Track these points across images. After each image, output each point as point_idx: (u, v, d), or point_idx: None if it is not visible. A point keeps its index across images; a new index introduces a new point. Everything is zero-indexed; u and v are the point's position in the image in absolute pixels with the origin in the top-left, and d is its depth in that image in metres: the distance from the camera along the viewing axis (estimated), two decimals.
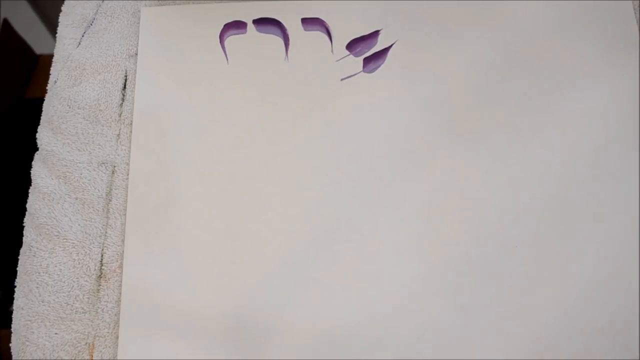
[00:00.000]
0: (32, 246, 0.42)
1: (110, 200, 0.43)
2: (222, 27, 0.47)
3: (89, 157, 0.44)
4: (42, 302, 0.41)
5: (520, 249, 0.40)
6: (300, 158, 0.43)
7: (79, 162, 0.44)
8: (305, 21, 0.47)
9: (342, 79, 0.45)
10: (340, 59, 0.46)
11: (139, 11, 0.48)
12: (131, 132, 0.45)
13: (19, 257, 0.43)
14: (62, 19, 0.49)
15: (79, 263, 0.42)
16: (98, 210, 0.43)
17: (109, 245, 0.42)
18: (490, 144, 0.43)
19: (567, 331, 0.38)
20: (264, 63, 0.46)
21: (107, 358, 0.40)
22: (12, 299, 0.42)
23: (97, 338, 0.40)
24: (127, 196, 0.43)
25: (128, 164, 0.44)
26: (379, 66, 0.45)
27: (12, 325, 0.41)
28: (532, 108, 0.43)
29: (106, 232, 0.42)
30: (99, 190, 0.43)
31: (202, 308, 0.40)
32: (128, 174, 0.43)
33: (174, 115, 0.45)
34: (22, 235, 0.43)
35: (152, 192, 0.43)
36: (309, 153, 0.43)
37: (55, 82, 0.47)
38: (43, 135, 0.45)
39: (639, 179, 0.41)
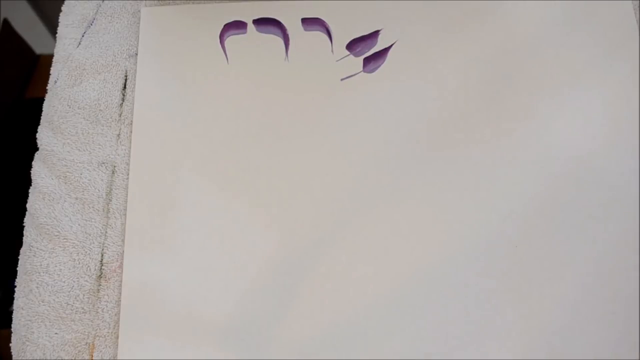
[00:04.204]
0: (32, 246, 0.42)
1: (110, 200, 0.43)
2: (222, 27, 0.47)
3: (89, 157, 0.44)
4: (42, 302, 0.41)
5: (520, 249, 0.40)
6: (300, 158, 0.43)
7: (79, 162, 0.44)
8: (305, 21, 0.47)
9: (342, 79, 0.45)
10: (340, 59, 0.46)
11: (139, 11, 0.48)
12: (131, 132, 0.45)
13: (19, 257, 0.43)
14: (62, 19, 0.49)
15: (79, 263, 0.42)
16: (98, 210, 0.43)
17: (109, 245, 0.42)
18: (491, 143, 0.43)
19: (566, 331, 0.38)
20: (264, 63, 0.46)
21: (107, 358, 0.40)
22: (12, 299, 0.42)
23: (97, 338, 0.40)
24: (127, 196, 0.43)
25: (128, 164, 0.44)
26: (379, 66, 0.45)
27: (12, 325, 0.41)
28: (532, 107, 0.43)
29: (106, 232, 0.42)
30: (99, 190, 0.43)
31: (202, 308, 0.40)
32: (128, 174, 0.43)
33: (174, 115, 0.45)
34: (22, 235, 0.43)
35: (152, 192, 0.43)
36: (308, 153, 0.43)
37: (55, 82, 0.47)
38: (43, 135, 0.45)
39: (639, 178, 0.41)
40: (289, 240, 0.41)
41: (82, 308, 0.41)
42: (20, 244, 0.43)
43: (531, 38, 0.45)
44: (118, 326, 0.40)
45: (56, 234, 0.42)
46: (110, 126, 0.45)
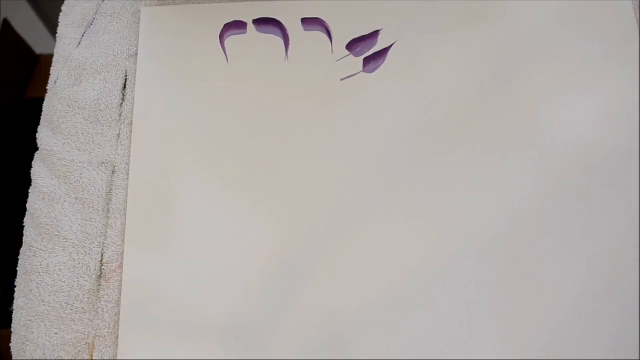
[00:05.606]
0: (32, 246, 0.42)
1: (110, 200, 0.43)
2: (222, 27, 0.47)
3: (89, 157, 0.44)
4: (42, 302, 0.41)
5: (520, 249, 0.40)
6: (300, 158, 0.43)
7: (79, 162, 0.44)
8: (305, 21, 0.47)
9: (342, 79, 0.45)
10: (340, 59, 0.46)
11: (139, 11, 0.48)
12: (131, 132, 0.45)
13: (19, 257, 0.43)
14: (62, 19, 0.49)
15: (79, 263, 0.42)
16: (98, 210, 0.43)
17: (109, 245, 0.42)
18: (491, 143, 0.43)
19: (567, 331, 0.38)
20: (264, 63, 0.46)
21: (107, 358, 0.40)
22: (12, 299, 0.42)
23: (97, 338, 0.40)
24: (127, 196, 0.43)
25: (128, 164, 0.44)
26: (379, 66, 0.45)
27: (12, 325, 0.41)
28: (532, 107, 0.43)
29: (106, 232, 0.42)
30: (99, 190, 0.43)
31: (202, 308, 0.40)
32: (128, 174, 0.43)
33: (174, 116, 0.45)
34: (22, 235, 0.43)
35: (152, 192, 0.43)
36: (308, 153, 0.43)
37: (55, 82, 0.47)
38: (43, 135, 0.45)
39: (639, 179, 0.41)
40: (289, 240, 0.41)
41: (82, 308, 0.41)
42: (20, 244, 0.43)
43: (531, 38, 0.45)
44: (118, 326, 0.40)
45: (56, 234, 0.42)
46: (110, 126, 0.45)
